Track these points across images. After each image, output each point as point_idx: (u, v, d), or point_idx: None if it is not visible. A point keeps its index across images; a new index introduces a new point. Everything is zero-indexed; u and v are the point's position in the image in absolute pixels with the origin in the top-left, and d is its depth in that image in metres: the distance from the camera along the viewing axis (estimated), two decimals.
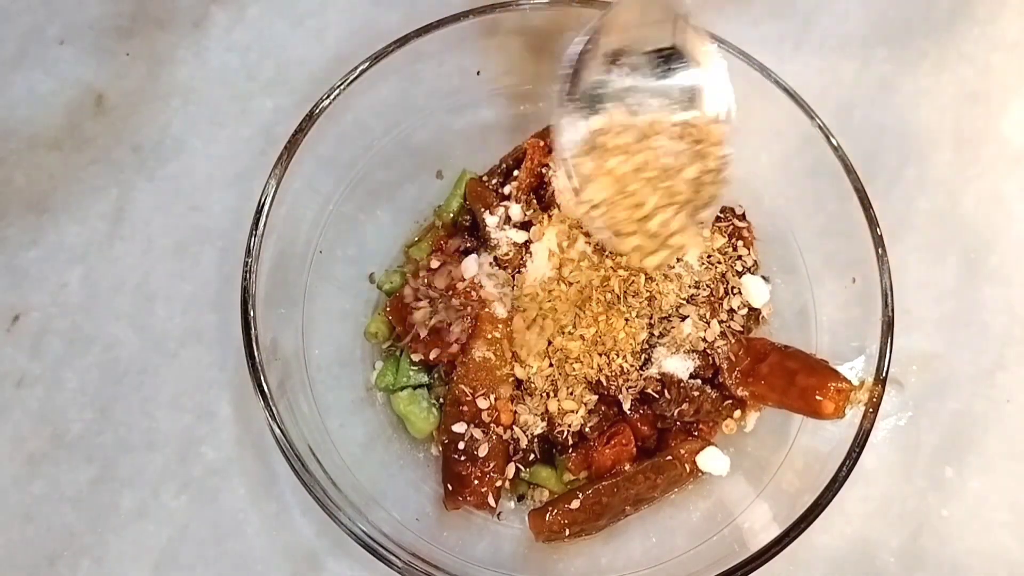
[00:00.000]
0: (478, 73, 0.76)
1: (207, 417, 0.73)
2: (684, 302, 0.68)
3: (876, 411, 0.63)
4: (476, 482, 0.65)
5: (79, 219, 0.79)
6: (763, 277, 0.72)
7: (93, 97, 0.83)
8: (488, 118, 0.77)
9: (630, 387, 0.66)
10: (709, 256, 0.71)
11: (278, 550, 0.70)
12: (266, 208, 0.65)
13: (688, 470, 0.68)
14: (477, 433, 0.65)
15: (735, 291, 0.71)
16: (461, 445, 0.65)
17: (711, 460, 0.68)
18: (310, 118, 0.68)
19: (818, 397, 0.63)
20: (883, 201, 0.78)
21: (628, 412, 0.67)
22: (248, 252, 0.64)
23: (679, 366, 0.67)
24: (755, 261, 0.73)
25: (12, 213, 0.79)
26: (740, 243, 0.73)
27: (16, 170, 0.81)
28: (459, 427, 0.66)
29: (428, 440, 0.70)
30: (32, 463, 0.72)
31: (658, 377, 0.66)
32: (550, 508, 0.66)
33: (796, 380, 0.64)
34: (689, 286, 0.69)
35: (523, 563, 0.67)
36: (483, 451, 0.65)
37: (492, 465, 0.65)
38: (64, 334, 0.76)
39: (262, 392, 0.62)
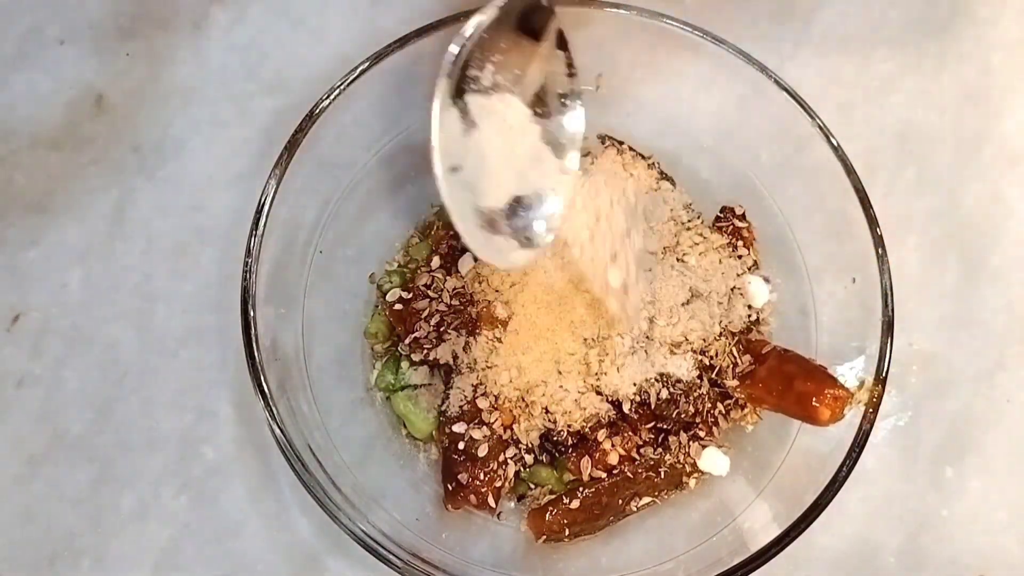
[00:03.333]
0: None
1: (207, 417, 0.74)
2: (685, 302, 0.68)
3: (876, 411, 0.63)
4: (476, 482, 0.65)
5: (79, 219, 0.79)
6: (763, 277, 0.72)
7: (93, 97, 0.83)
8: None
9: (630, 387, 0.66)
10: (709, 256, 0.71)
11: (278, 550, 0.70)
12: (266, 208, 0.65)
13: (688, 470, 0.68)
14: (477, 433, 0.65)
15: (735, 291, 0.71)
16: (461, 445, 0.65)
17: (711, 460, 0.68)
18: (310, 118, 0.68)
19: (814, 403, 0.63)
20: (883, 201, 0.79)
21: (628, 412, 0.67)
22: (248, 252, 0.64)
23: (679, 366, 0.67)
24: (755, 261, 0.73)
25: (12, 213, 0.79)
26: (740, 243, 0.73)
27: (16, 170, 0.81)
28: (459, 427, 0.66)
29: (428, 440, 0.70)
30: (32, 463, 0.72)
31: (657, 377, 0.66)
32: (550, 508, 0.66)
33: (794, 385, 0.64)
34: (689, 286, 0.69)
35: (523, 563, 0.67)
36: (483, 451, 0.65)
37: (492, 465, 0.65)
38: (64, 334, 0.76)
39: (262, 392, 0.62)
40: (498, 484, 0.66)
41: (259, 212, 0.65)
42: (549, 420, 0.66)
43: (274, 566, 0.70)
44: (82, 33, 0.85)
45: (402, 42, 0.70)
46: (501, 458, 0.66)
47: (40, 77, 0.84)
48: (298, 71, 0.85)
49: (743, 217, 0.74)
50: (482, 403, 0.66)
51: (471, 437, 0.65)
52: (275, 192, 0.66)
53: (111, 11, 0.86)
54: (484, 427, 0.65)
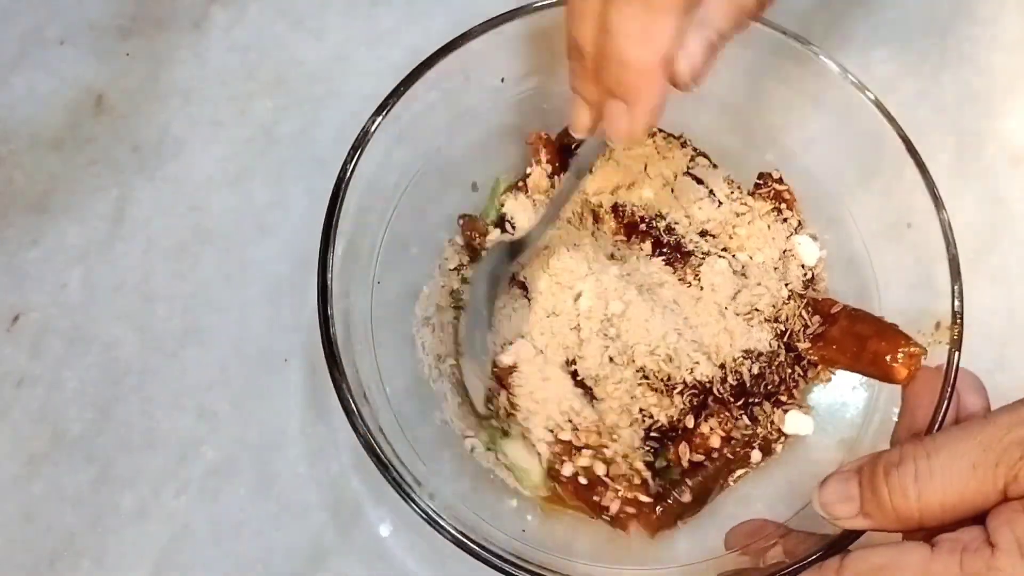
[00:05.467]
0: (502, 80, 0.75)
1: (207, 417, 0.74)
2: (746, 274, 0.69)
3: (959, 350, 0.62)
4: (629, 507, 0.63)
5: (79, 219, 0.79)
6: (811, 235, 0.72)
7: (93, 97, 0.83)
8: (515, 123, 0.76)
9: (716, 369, 0.65)
10: (756, 224, 0.71)
11: (278, 550, 0.70)
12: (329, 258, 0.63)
13: (775, 436, 0.67)
14: (584, 461, 0.63)
15: (787, 253, 0.71)
16: (583, 481, 0.63)
17: (795, 422, 0.67)
18: (355, 151, 0.65)
19: (890, 363, 0.62)
20: (883, 201, 0.78)
21: (719, 394, 0.65)
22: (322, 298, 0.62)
23: (758, 339, 0.66)
24: (799, 221, 0.73)
25: (12, 213, 0.79)
26: (783, 205, 0.73)
27: (16, 170, 0.81)
28: (567, 470, 0.63)
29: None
30: (32, 463, 0.72)
31: (744, 355, 0.66)
32: (660, 505, 0.64)
33: (867, 345, 0.64)
34: (745, 261, 0.69)
35: (625, 553, 0.66)
36: (602, 470, 0.63)
37: (623, 480, 0.63)
38: (64, 334, 0.76)
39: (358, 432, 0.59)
40: (644, 499, 0.64)
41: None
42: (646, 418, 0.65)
43: (274, 566, 0.70)
44: (82, 33, 0.85)
45: (429, 64, 0.67)
46: (623, 470, 0.64)
47: (40, 77, 0.84)
48: (298, 71, 0.85)
49: (781, 180, 0.73)
50: (566, 435, 0.64)
51: (580, 469, 0.63)
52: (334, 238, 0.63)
53: (111, 11, 0.86)
54: (583, 451, 0.63)
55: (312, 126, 0.82)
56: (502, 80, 0.75)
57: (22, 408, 0.74)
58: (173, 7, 0.87)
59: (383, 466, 0.58)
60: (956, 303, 0.63)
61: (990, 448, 0.46)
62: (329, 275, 0.62)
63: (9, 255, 0.78)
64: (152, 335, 0.76)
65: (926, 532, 0.49)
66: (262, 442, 0.73)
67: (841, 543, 0.55)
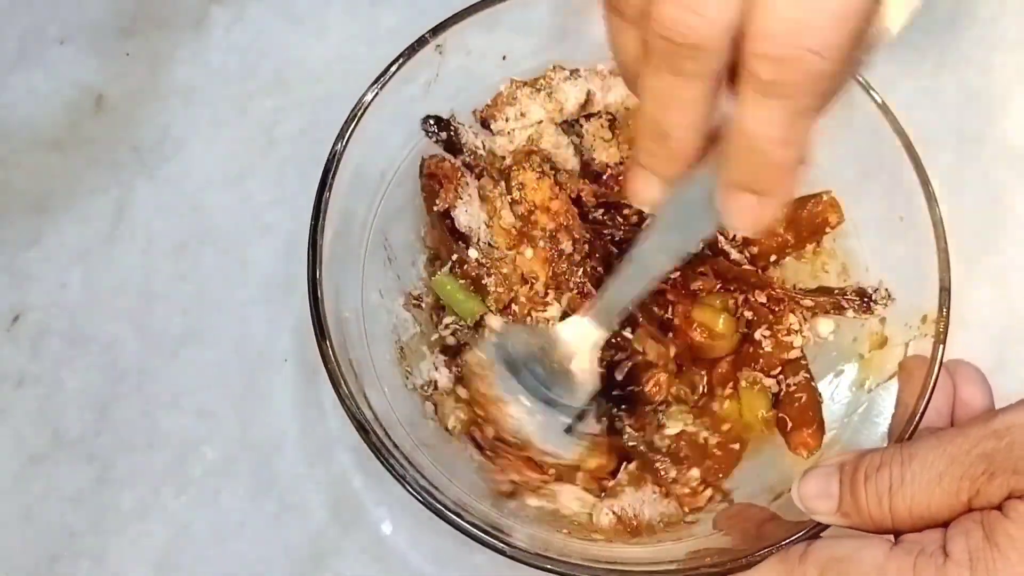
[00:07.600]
0: (503, 58, 0.74)
1: (207, 417, 0.74)
2: None
3: (943, 343, 0.62)
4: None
5: (79, 219, 0.79)
6: None
7: (93, 97, 0.83)
8: None
9: None
10: None
11: (278, 550, 0.70)
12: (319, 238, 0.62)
13: None
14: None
15: None
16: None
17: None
18: (350, 121, 0.65)
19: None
20: (882, 202, 0.78)
21: None
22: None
23: None
24: None
25: (12, 213, 0.79)
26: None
27: (16, 170, 0.81)
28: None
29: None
30: (32, 463, 0.72)
31: None
32: None
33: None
34: None
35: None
36: None
37: None
38: (64, 334, 0.76)
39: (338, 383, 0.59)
40: None
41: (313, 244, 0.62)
42: None
43: (274, 566, 0.70)
44: (82, 33, 0.85)
45: (421, 42, 0.67)
46: None
47: (40, 77, 0.84)
48: (298, 71, 0.85)
49: None
50: None
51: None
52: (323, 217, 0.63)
53: (111, 11, 0.86)
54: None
55: (312, 126, 0.82)
56: (503, 58, 0.74)
57: (22, 408, 0.73)
58: (173, 7, 0.87)
59: (379, 453, 0.58)
60: (942, 295, 0.63)
61: (957, 460, 0.48)
62: (320, 240, 0.62)
63: (9, 255, 0.78)
64: (152, 335, 0.76)
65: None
66: (262, 442, 0.73)
67: (820, 531, 0.55)
